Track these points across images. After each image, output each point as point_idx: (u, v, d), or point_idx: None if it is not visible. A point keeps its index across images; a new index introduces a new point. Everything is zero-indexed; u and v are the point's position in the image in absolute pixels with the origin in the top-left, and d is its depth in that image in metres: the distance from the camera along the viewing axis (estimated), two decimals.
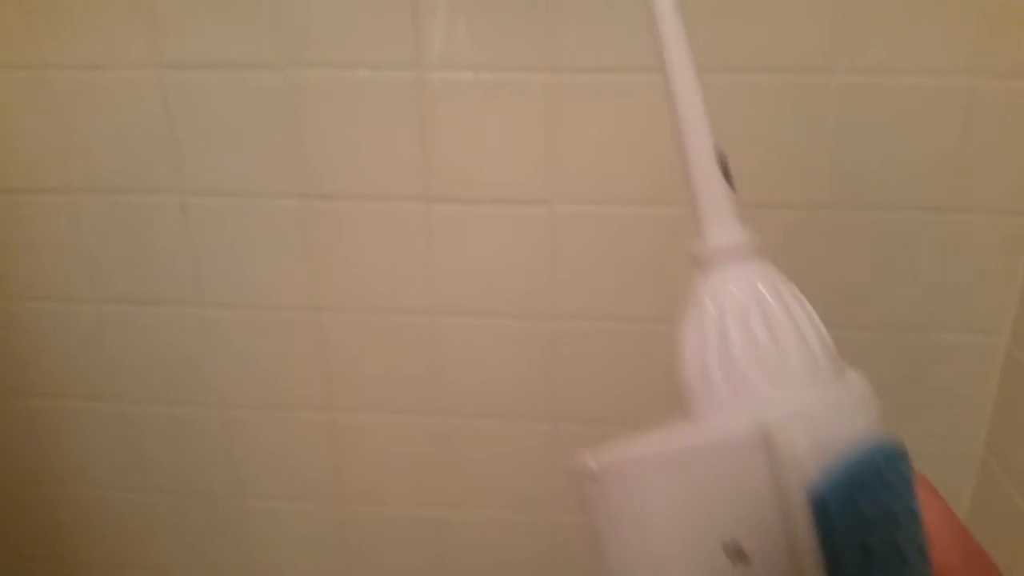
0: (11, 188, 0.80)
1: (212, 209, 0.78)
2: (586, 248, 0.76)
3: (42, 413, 0.90)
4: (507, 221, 0.75)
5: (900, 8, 0.65)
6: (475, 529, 0.90)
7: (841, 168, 0.70)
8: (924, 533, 0.23)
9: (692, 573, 0.23)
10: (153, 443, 0.90)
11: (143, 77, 0.74)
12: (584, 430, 0.83)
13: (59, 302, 0.84)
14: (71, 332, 0.85)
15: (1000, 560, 0.26)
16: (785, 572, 0.21)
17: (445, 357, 0.82)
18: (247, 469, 0.90)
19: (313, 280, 0.80)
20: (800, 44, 0.67)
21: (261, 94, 0.73)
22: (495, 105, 0.72)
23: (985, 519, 0.77)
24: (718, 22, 0.67)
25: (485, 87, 0.71)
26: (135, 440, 0.90)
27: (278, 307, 0.81)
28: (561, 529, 0.88)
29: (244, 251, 0.79)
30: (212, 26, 0.72)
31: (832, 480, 0.21)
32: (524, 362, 0.81)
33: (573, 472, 0.25)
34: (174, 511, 0.93)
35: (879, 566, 0.21)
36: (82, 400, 0.89)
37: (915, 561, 0.22)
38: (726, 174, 0.27)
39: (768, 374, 0.23)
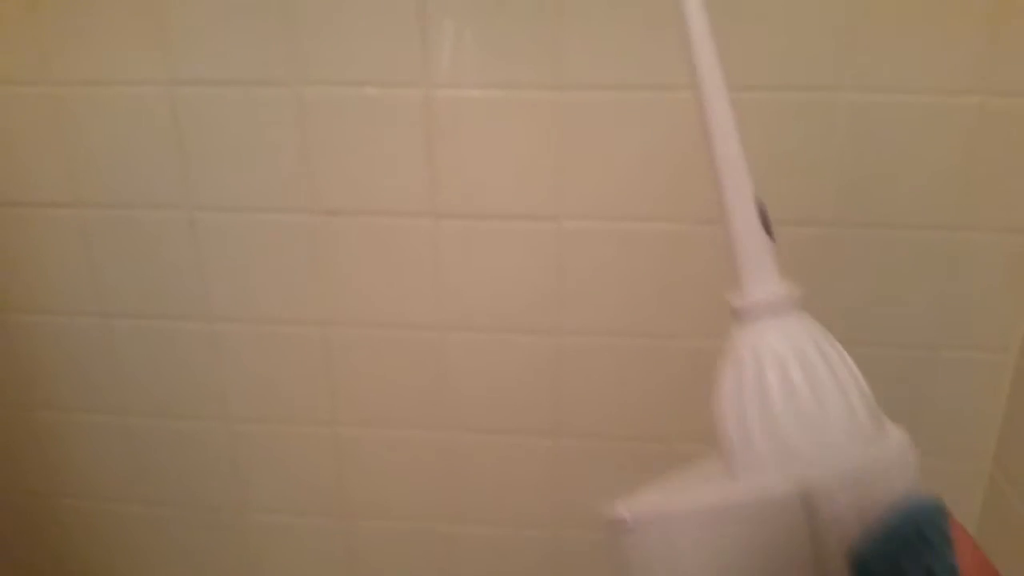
0: (20, 202, 0.80)
1: (220, 224, 0.78)
2: (592, 264, 0.76)
3: (48, 426, 0.90)
4: (514, 237, 0.76)
5: (908, 26, 0.65)
6: (479, 544, 0.89)
7: (848, 185, 0.70)
8: None
9: None
10: (158, 456, 0.90)
11: (152, 93, 0.74)
12: (589, 445, 0.82)
13: (66, 316, 0.84)
14: (78, 345, 0.85)
15: None
16: None
17: (451, 372, 0.82)
18: (252, 483, 0.89)
19: (320, 295, 0.80)
20: (808, 62, 0.67)
21: (270, 110, 0.74)
22: (502, 122, 0.72)
23: (993, 536, 0.76)
24: (726, 39, 0.67)
25: (492, 104, 0.71)
26: (140, 453, 0.90)
27: (285, 321, 0.81)
28: (565, 544, 0.87)
29: (251, 266, 0.80)
30: (221, 43, 0.72)
31: (874, 542, 0.21)
32: (530, 378, 0.81)
33: (607, 521, 0.25)
34: (179, 524, 0.93)
35: None
36: (88, 413, 0.89)
37: None
38: (766, 225, 0.26)
39: (809, 432, 0.22)
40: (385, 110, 0.72)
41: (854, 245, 0.72)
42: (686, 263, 0.74)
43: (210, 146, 0.76)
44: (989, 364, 0.75)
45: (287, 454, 0.87)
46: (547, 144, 0.72)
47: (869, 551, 0.21)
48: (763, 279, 0.25)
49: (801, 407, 0.23)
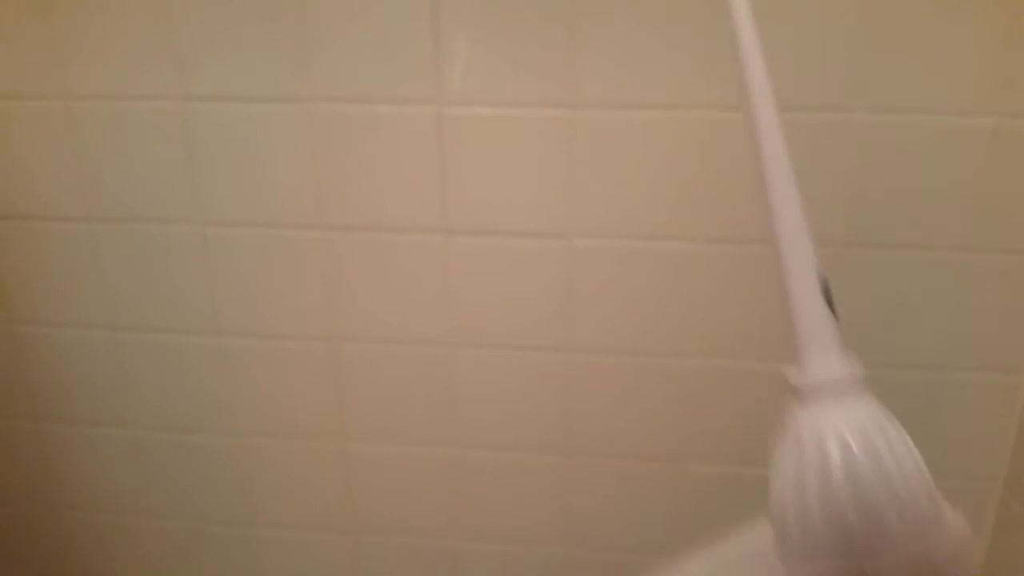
0: (32, 215, 0.80)
1: (231, 239, 0.78)
2: (602, 282, 0.76)
3: (57, 438, 0.90)
4: (524, 254, 0.75)
5: (921, 48, 0.65)
6: (487, 560, 0.89)
7: (860, 206, 0.70)
8: None
9: None
10: (166, 470, 0.90)
11: (165, 108, 0.75)
12: (597, 462, 0.82)
13: (76, 329, 0.84)
14: (87, 358, 0.85)
15: None
16: None
17: (460, 388, 0.82)
18: (260, 497, 0.89)
19: (330, 310, 0.80)
20: (822, 83, 0.67)
21: (282, 127, 0.74)
22: (514, 140, 0.72)
23: (1004, 559, 0.76)
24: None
25: (504, 122, 0.71)
26: (148, 466, 0.90)
27: (295, 336, 0.81)
28: (573, 561, 0.87)
29: (262, 281, 0.80)
30: (234, 60, 0.72)
31: None
32: (539, 394, 0.81)
33: None
34: (186, 538, 0.93)
35: None
36: (96, 426, 0.89)
37: None
38: (828, 301, 0.26)
39: (870, 523, 0.22)
40: (397, 127, 0.72)
41: (867, 266, 0.72)
42: (696, 282, 0.74)
43: (222, 162, 0.76)
44: (1001, 385, 0.75)
45: (295, 469, 0.87)
46: (558, 162, 0.72)
47: None
48: (826, 357, 0.25)
49: (864, 495, 0.23)
